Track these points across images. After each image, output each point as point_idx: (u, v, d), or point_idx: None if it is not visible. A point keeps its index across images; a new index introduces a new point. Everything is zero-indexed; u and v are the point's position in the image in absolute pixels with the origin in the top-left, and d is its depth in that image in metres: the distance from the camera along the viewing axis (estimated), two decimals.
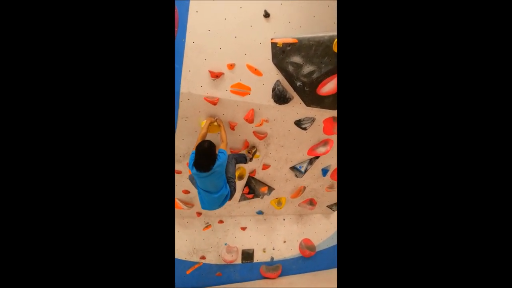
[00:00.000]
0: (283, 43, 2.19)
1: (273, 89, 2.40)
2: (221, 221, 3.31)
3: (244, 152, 2.77)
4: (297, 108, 2.56)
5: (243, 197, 3.18)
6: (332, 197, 3.51)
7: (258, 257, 3.44)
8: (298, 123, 2.67)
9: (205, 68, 2.25)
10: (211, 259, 3.30)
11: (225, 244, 3.33)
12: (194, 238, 3.25)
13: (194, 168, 2.08)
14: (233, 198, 2.47)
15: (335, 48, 2.14)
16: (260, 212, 3.42)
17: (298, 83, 2.33)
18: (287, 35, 2.21)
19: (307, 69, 2.24)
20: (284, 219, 3.56)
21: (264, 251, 3.46)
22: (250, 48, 2.24)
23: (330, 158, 3.10)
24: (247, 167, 2.98)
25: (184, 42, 2.16)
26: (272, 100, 2.45)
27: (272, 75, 2.35)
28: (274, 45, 2.22)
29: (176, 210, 3.07)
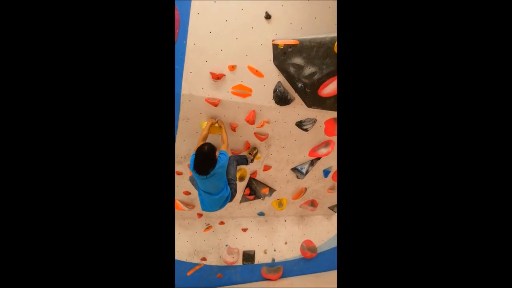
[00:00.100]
0: (284, 44, 2.19)
1: (274, 91, 2.40)
2: (222, 223, 3.31)
3: (245, 153, 2.77)
4: (298, 109, 2.55)
5: (244, 199, 3.17)
6: (334, 198, 3.50)
7: (259, 259, 3.44)
8: (299, 124, 2.67)
9: (206, 69, 2.26)
10: (212, 260, 3.29)
11: (226, 245, 3.32)
12: (195, 240, 3.24)
13: (194, 170, 2.08)
14: (234, 200, 2.47)
15: (336, 49, 2.14)
16: (261, 214, 3.41)
17: (300, 84, 2.32)
18: (288, 36, 2.21)
19: (308, 70, 2.24)
20: (285, 221, 3.55)
21: (265, 252, 3.45)
22: (251, 50, 2.24)
23: (331, 159, 3.09)
24: (248, 169, 2.98)
25: (185, 44, 2.16)
26: (273, 101, 2.45)
27: (273, 76, 2.35)
28: (275, 46, 2.22)
29: (177, 211, 3.07)
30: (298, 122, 2.66)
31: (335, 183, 3.35)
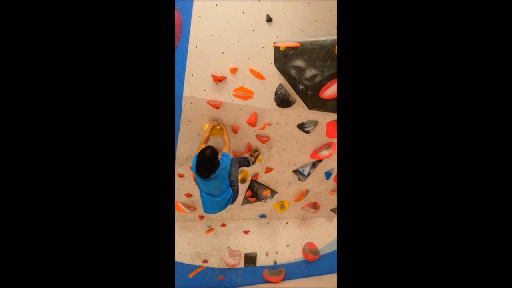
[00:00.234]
0: (285, 47, 2.20)
1: (276, 93, 2.41)
2: (223, 225, 3.31)
3: (246, 155, 2.77)
4: (299, 111, 2.56)
5: (246, 201, 3.17)
6: (336, 200, 3.48)
7: (261, 261, 3.42)
8: (301, 126, 2.67)
9: (208, 72, 2.27)
10: (214, 262, 3.28)
11: (228, 247, 3.32)
12: (197, 242, 3.24)
13: (196, 173, 2.08)
14: (235, 202, 2.47)
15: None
16: (263, 216, 3.41)
17: (301, 87, 2.33)
18: (289, 39, 2.22)
19: (310, 72, 2.24)
20: (287, 223, 3.54)
21: (267, 255, 3.44)
22: (252, 52, 2.25)
23: (333, 161, 3.08)
24: (249, 171, 2.98)
25: (187, 47, 2.17)
26: (274, 103, 2.46)
27: (275, 78, 2.36)
28: (276, 49, 2.23)
29: (179, 214, 3.07)
30: (299, 124, 2.66)
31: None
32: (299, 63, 2.23)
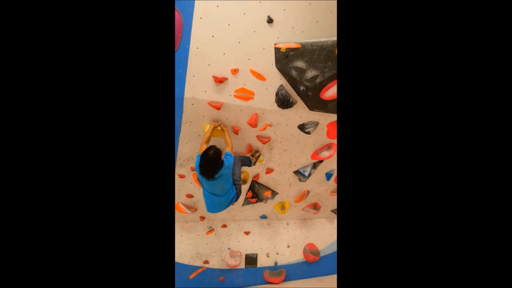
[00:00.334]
0: (286, 48, 2.20)
1: (277, 94, 2.41)
2: (224, 226, 3.31)
3: (247, 156, 2.77)
4: (300, 112, 2.56)
5: (246, 201, 3.17)
6: (336, 201, 3.48)
7: (261, 262, 3.42)
8: (302, 127, 2.67)
9: (209, 73, 2.27)
10: (214, 263, 3.28)
11: (229, 248, 3.32)
12: (197, 243, 3.24)
13: (200, 174, 2.09)
14: (236, 203, 2.47)
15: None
16: (263, 217, 3.41)
17: (302, 88, 2.33)
18: (290, 40, 2.23)
19: (311, 73, 2.25)
20: (288, 224, 3.54)
21: (267, 255, 3.43)
22: (253, 53, 2.26)
23: (334, 162, 3.08)
24: (250, 171, 2.99)
25: (188, 48, 2.18)
26: (275, 104, 2.46)
27: (276, 79, 2.36)
28: (277, 50, 2.23)
29: (180, 214, 3.08)
30: (300, 125, 2.66)
31: None
32: (300, 64, 2.23)
